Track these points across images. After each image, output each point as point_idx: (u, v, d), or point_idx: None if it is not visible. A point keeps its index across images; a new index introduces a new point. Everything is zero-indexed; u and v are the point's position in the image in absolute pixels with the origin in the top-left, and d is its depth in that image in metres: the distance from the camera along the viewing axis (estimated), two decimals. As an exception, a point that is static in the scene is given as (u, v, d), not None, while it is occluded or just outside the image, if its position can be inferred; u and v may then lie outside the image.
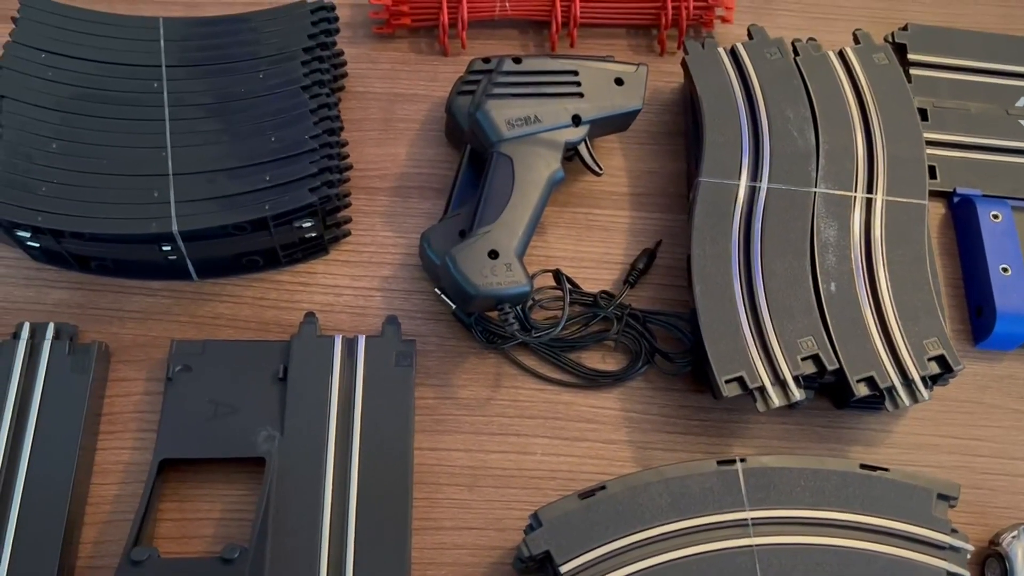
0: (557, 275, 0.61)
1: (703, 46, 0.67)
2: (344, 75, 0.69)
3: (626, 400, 0.61)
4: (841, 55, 0.68)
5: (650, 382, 0.62)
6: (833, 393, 0.62)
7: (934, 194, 0.70)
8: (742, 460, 0.53)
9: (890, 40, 0.75)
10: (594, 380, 0.61)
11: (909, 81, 0.73)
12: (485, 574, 0.55)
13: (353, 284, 0.63)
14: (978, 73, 0.74)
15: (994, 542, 0.58)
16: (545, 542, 0.50)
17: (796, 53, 0.67)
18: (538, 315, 0.62)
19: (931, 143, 0.71)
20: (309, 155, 0.58)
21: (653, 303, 0.64)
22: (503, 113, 0.60)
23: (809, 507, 0.52)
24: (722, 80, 0.65)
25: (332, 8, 0.65)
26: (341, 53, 0.69)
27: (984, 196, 0.69)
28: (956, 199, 0.69)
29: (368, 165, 0.67)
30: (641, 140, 0.71)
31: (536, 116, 0.61)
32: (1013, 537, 0.57)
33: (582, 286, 0.64)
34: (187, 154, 0.57)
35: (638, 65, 0.65)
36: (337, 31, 0.65)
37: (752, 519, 0.51)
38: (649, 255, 0.65)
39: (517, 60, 0.62)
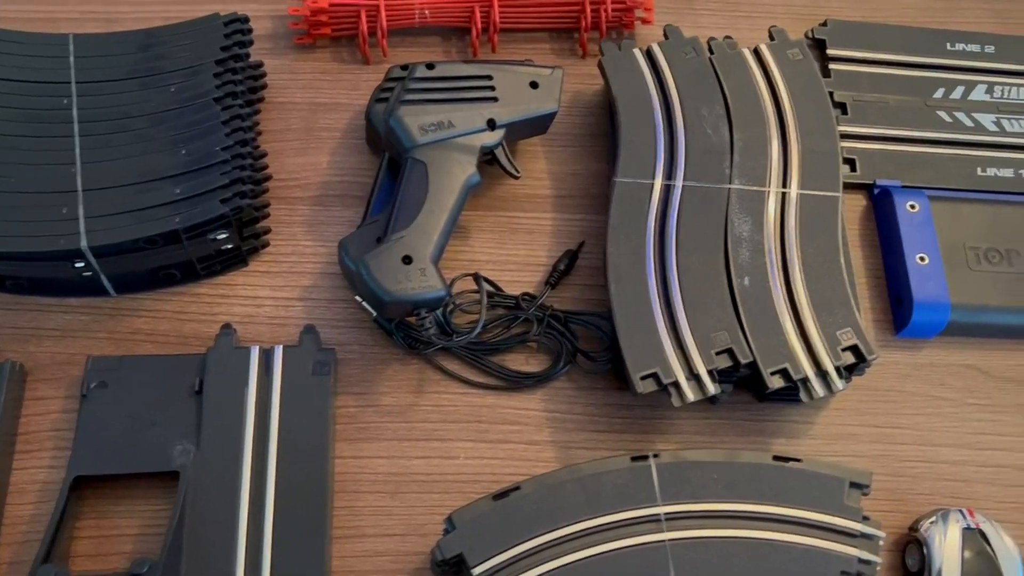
0: (476, 278, 0.61)
1: (620, 48, 0.68)
2: (263, 86, 0.69)
3: (549, 400, 0.62)
4: (756, 52, 0.68)
5: (574, 382, 0.63)
6: (754, 386, 0.62)
7: (856, 186, 0.71)
8: (655, 455, 0.53)
9: (809, 36, 0.76)
10: (517, 382, 0.61)
11: (828, 76, 0.74)
12: (411, 582, 0.56)
13: (273, 295, 0.63)
14: (897, 66, 0.75)
15: (913, 528, 0.58)
16: (458, 545, 0.50)
17: (712, 52, 0.68)
18: (460, 319, 0.63)
19: (851, 136, 0.72)
20: (220, 167, 0.58)
21: (576, 303, 0.65)
22: (416, 119, 0.60)
23: (722, 500, 0.52)
24: (637, 81, 0.66)
25: (246, 20, 0.65)
26: (260, 65, 0.69)
27: (904, 187, 0.70)
28: (876, 191, 0.70)
29: (289, 175, 0.67)
30: (564, 142, 0.71)
31: (450, 121, 0.61)
32: (931, 523, 0.57)
33: (505, 289, 0.64)
34: (97, 170, 0.57)
35: (553, 68, 0.65)
36: (251, 43, 0.65)
37: (665, 514, 0.51)
38: (571, 256, 0.65)
39: (430, 66, 0.62)
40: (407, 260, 0.56)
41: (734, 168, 0.63)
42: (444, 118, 0.61)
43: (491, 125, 0.62)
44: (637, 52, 0.67)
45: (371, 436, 0.59)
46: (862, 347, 0.58)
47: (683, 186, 0.62)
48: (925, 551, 0.56)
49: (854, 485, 0.53)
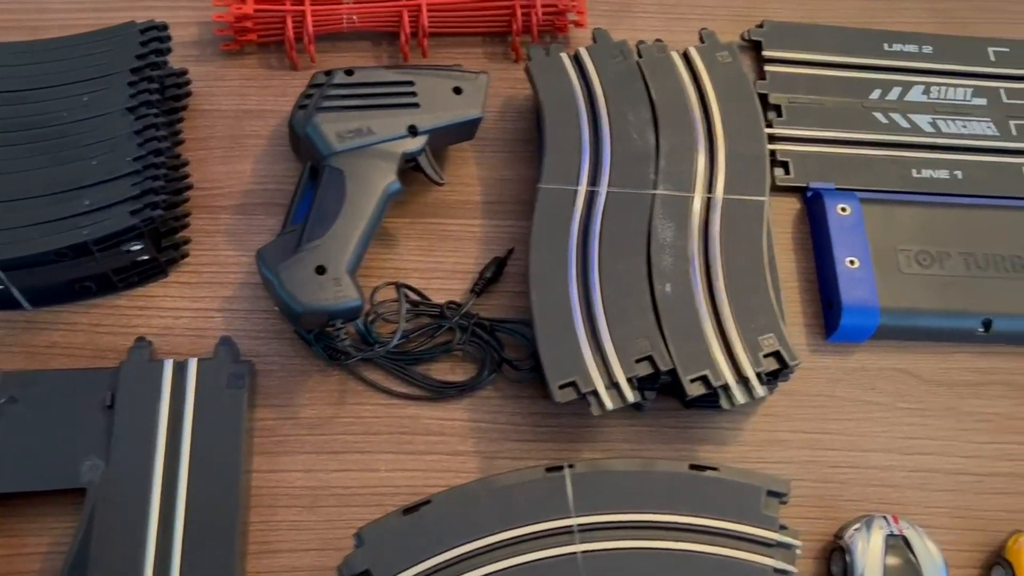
0: (396, 288, 0.60)
1: (548, 52, 0.67)
2: (187, 94, 0.68)
3: (474, 410, 0.61)
4: (685, 56, 0.68)
5: (499, 391, 0.62)
6: (681, 393, 0.62)
7: (790, 189, 0.71)
8: (571, 466, 0.53)
9: (746, 38, 0.76)
10: (440, 392, 0.60)
11: (763, 78, 0.74)
12: (325, 597, 0.55)
13: (192, 306, 0.62)
14: (833, 67, 0.75)
15: (838, 535, 0.58)
16: (365, 561, 0.49)
17: (640, 56, 0.67)
18: (384, 328, 0.62)
19: (786, 138, 0.71)
20: (132, 177, 0.57)
21: (506, 311, 0.64)
22: (334, 126, 0.60)
23: (637, 511, 0.52)
24: (564, 85, 0.65)
25: (164, 28, 0.64)
26: (184, 72, 0.68)
27: (837, 190, 0.69)
28: (809, 193, 0.70)
29: (212, 183, 0.66)
30: (496, 147, 0.70)
31: (369, 128, 0.60)
32: (855, 530, 0.57)
33: (433, 297, 0.63)
34: (5, 182, 0.56)
35: (479, 73, 0.65)
36: (169, 50, 0.64)
37: (578, 525, 0.51)
38: (499, 263, 0.64)
39: (350, 72, 0.62)
40: (321, 270, 0.55)
41: (659, 173, 0.63)
42: (363, 125, 0.60)
43: (412, 131, 0.61)
44: (564, 56, 0.66)
45: (289, 449, 0.58)
46: (784, 353, 0.57)
47: (607, 192, 0.61)
48: (848, 559, 0.56)
49: (772, 493, 0.53)
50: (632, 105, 0.65)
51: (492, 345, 0.61)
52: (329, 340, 0.59)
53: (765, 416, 0.63)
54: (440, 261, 0.65)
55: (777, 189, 0.71)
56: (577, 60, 0.66)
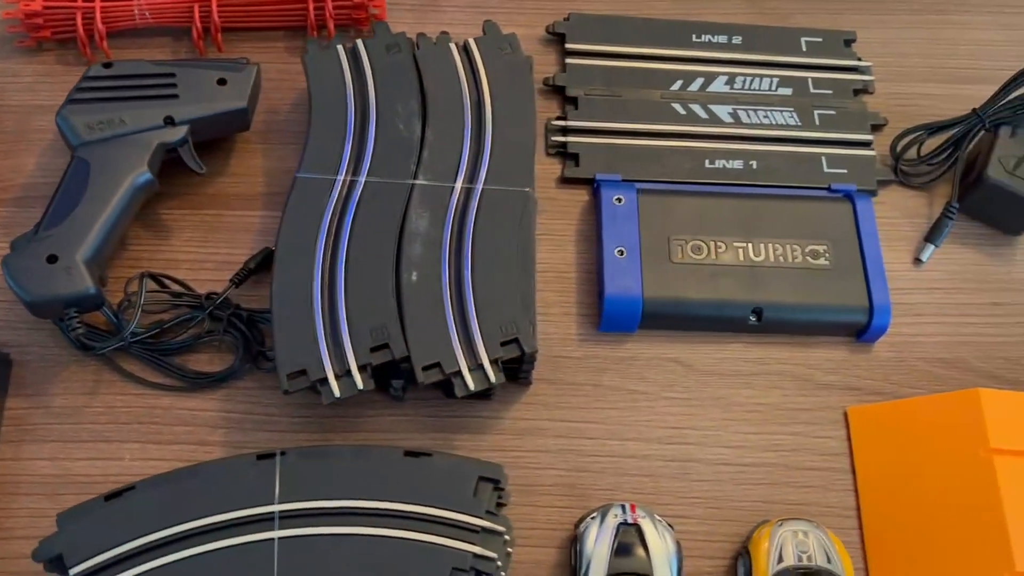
0: (140, 277, 0.60)
1: (328, 46, 0.67)
2: (-26, 89, 0.69)
3: (229, 401, 0.61)
4: (465, 47, 0.68)
5: (260, 382, 0.62)
6: (446, 384, 0.62)
7: (582, 181, 0.71)
8: (282, 453, 0.53)
9: (551, 30, 0.76)
10: (193, 382, 0.61)
11: (564, 71, 0.74)
12: (52, 583, 0.55)
13: (-45, 297, 0.63)
14: (636, 59, 0.75)
15: (576, 525, 0.57)
16: (59, 546, 0.49)
17: (419, 48, 0.68)
18: (146, 320, 0.62)
19: (578, 131, 0.72)
20: None
21: (276, 302, 0.64)
22: (84, 117, 0.60)
23: (345, 497, 0.51)
24: (334, 77, 0.65)
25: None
26: (-27, 68, 0.69)
27: (624, 181, 0.69)
28: (595, 186, 0.69)
29: (-9, 178, 0.67)
30: (285, 139, 0.70)
31: (121, 119, 0.61)
32: (591, 519, 0.56)
33: (201, 289, 0.64)
34: None
35: (247, 66, 0.65)
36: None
37: (280, 512, 0.51)
38: (267, 254, 0.64)
39: (108, 65, 0.62)
40: (52, 259, 0.56)
41: (421, 164, 0.63)
42: (115, 116, 0.60)
43: (169, 122, 0.62)
44: (340, 49, 0.67)
45: (36, 438, 0.59)
46: (523, 341, 0.57)
47: (365, 182, 0.62)
48: (578, 547, 0.55)
49: (484, 479, 0.53)
50: (402, 96, 0.65)
51: (248, 336, 0.61)
52: (67, 330, 0.59)
53: (528, 405, 0.62)
54: (213, 252, 0.66)
55: (567, 181, 0.71)
56: (354, 52, 0.67)
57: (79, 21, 0.70)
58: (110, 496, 0.51)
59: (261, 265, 0.64)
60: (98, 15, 0.69)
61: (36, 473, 0.58)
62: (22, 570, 0.55)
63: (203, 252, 0.66)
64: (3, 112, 0.69)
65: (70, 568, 0.48)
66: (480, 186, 0.62)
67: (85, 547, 0.49)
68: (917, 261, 0.69)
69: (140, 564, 0.49)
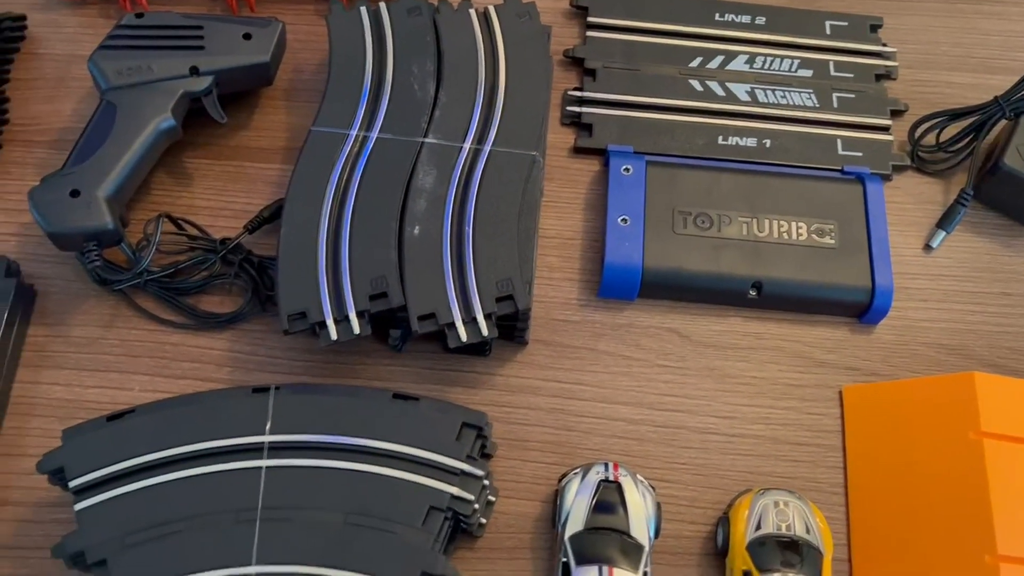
0: (157, 219, 0.63)
1: (351, 6, 0.69)
2: (22, 37, 0.73)
3: (236, 342, 0.64)
4: (485, 14, 0.69)
5: (268, 325, 0.64)
6: (443, 338, 0.63)
7: (593, 152, 0.72)
8: (277, 388, 0.55)
9: (575, 3, 0.77)
10: (204, 321, 0.63)
11: (584, 43, 0.75)
12: (59, 499, 0.58)
13: (-12, 228, 0.66)
14: (657, 35, 0.75)
15: (560, 480, 0.58)
16: (61, 459, 0.52)
17: (439, 12, 0.69)
18: (163, 260, 0.65)
19: (594, 102, 0.73)
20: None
21: (290, 252, 0.66)
22: (114, 63, 0.63)
23: (332, 433, 0.53)
24: (355, 37, 0.67)
25: (-13, -29, 0.69)
26: (22, 17, 0.73)
27: (635, 153, 0.70)
28: (606, 156, 0.70)
29: (31, 121, 0.70)
30: (308, 97, 0.73)
31: (149, 67, 0.63)
32: (574, 474, 0.57)
33: (217, 235, 0.66)
34: None
35: (272, 23, 0.67)
36: (-9, -5, 0.69)
37: (269, 443, 0.53)
38: (281, 204, 0.66)
39: (139, 15, 0.65)
40: (74, 194, 0.59)
41: (432, 123, 0.64)
42: (143, 63, 0.63)
43: (194, 72, 0.64)
44: (363, 10, 0.69)
45: (54, 364, 0.62)
46: (516, 297, 0.58)
47: (377, 137, 0.64)
48: (559, 501, 0.56)
49: (468, 426, 0.54)
50: (419, 58, 0.67)
51: (257, 281, 0.64)
52: (86, 262, 0.62)
53: (523, 364, 0.64)
54: (231, 201, 0.68)
55: (580, 151, 0.72)
56: (376, 14, 0.69)
57: (121, -25, 0.73)
58: (112, 417, 0.53)
59: (275, 215, 0.66)
60: (139, -30, 0.73)
61: (51, 397, 0.61)
62: (33, 485, 0.58)
63: (222, 200, 0.68)
64: (46, 60, 0.73)
65: (69, 480, 0.51)
66: (488, 147, 0.63)
67: (85, 462, 0.52)
68: (927, 247, 0.69)
69: (135, 482, 0.51)
